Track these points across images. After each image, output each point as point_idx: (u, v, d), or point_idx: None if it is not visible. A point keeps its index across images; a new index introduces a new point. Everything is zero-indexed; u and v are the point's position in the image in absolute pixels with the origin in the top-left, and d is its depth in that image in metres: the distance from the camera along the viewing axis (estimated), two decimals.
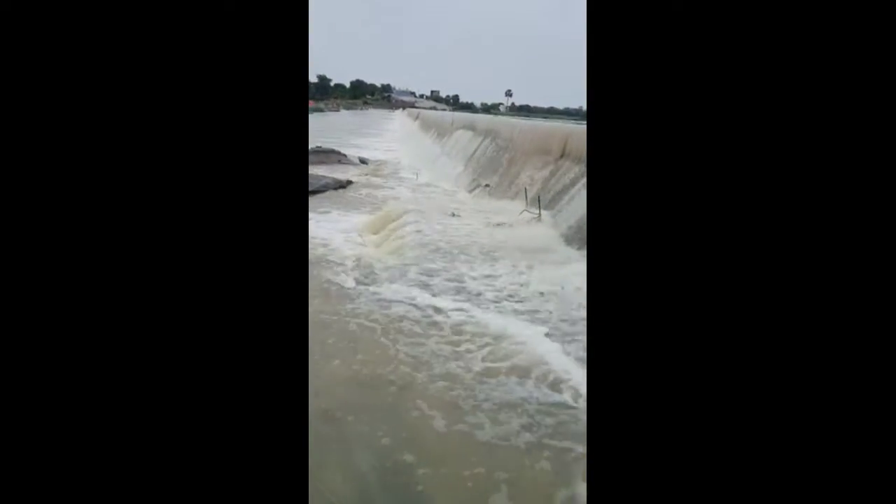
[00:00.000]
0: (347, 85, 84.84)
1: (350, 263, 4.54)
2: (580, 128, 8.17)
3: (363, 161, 16.09)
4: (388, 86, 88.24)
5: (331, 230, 6.47)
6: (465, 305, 3.51)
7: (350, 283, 3.93)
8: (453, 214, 6.45)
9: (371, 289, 3.85)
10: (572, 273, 4.26)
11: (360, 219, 7.23)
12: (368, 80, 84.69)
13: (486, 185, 9.61)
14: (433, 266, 4.46)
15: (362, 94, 75.05)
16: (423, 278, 4.15)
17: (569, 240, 5.40)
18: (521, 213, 6.45)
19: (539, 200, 6.36)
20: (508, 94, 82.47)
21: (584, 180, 6.31)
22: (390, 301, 3.57)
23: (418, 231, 5.58)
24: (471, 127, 15.07)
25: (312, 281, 4.01)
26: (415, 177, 12.32)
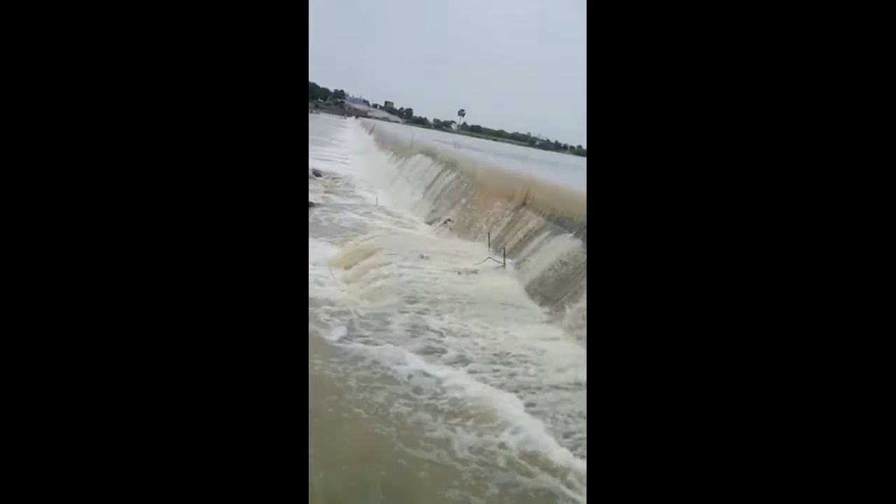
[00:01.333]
0: None
1: (328, 308, 4.66)
2: (543, 180, 8.70)
3: (317, 173, 16.03)
4: (342, 92, 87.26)
5: None
6: (451, 372, 3.75)
7: (333, 336, 4.07)
8: (422, 256, 6.70)
9: (354, 345, 4.01)
10: (539, 336, 4.65)
11: (328, 250, 7.32)
12: (321, 84, 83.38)
13: (448, 221, 9.95)
14: (411, 319, 4.69)
15: (314, 98, 73.78)
16: (404, 333, 4.36)
17: (531, 293, 5.80)
18: (485, 259, 6.80)
19: (504, 250, 6.74)
20: (461, 113, 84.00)
21: (547, 234, 6.79)
22: (377, 362, 3.73)
23: (390, 275, 5.79)
24: (430, 153, 15.41)
25: None
26: (374, 201, 12.45)
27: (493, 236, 8.03)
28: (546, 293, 5.62)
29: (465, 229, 9.20)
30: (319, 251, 7.22)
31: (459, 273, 6.27)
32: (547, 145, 78.94)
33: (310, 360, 3.58)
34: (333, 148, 27.71)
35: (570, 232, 6.33)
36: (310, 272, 6.14)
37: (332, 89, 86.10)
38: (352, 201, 12.53)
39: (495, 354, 4.14)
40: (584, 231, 6.08)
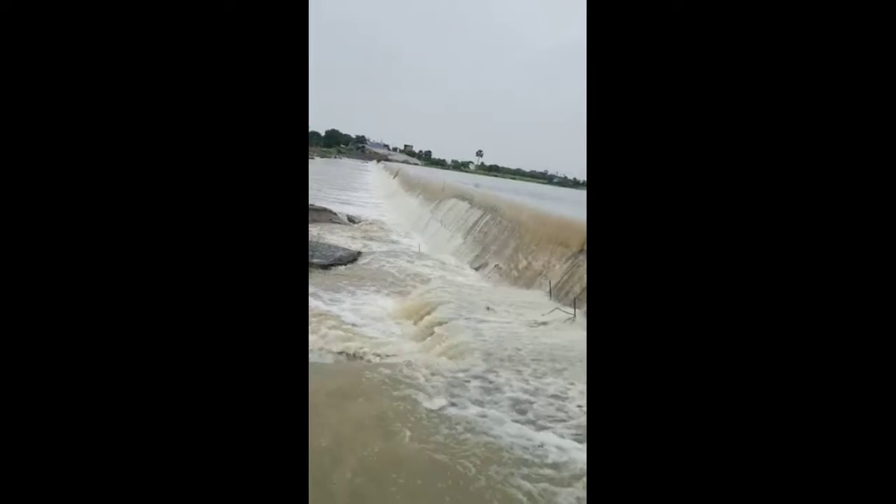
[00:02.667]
0: (322, 133, 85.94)
1: (411, 372, 4.50)
2: None
3: (352, 219, 16.26)
4: (363, 137, 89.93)
5: (364, 317, 6.43)
6: (568, 444, 3.53)
7: (435, 404, 3.89)
8: (487, 308, 6.55)
9: (463, 413, 3.81)
10: None
11: (385, 303, 7.22)
12: (343, 130, 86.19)
13: (497, 266, 9.83)
14: (502, 381, 4.49)
15: (336, 143, 75.98)
16: (501, 396, 4.17)
17: None
18: (552, 310, 6.62)
19: (575, 301, 6.56)
20: (479, 153, 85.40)
21: None
22: (500, 436, 3.50)
23: (462, 330, 5.62)
24: (465, 197, 15.48)
25: (381, 392, 3.93)
26: (417, 247, 12.44)
27: (552, 283, 7.87)
28: None
29: (516, 277, 9.05)
30: (377, 304, 7.13)
31: (531, 326, 6.07)
32: (564, 182, 79.40)
33: (428, 436, 3.40)
34: (361, 192, 28.21)
35: None
36: (380, 329, 6.03)
37: (353, 135, 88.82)
38: (392, 247, 12.53)
39: None
40: None
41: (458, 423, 3.57)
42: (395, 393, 3.98)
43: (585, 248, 7.96)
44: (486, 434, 3.47)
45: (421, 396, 3.95)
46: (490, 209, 12.81)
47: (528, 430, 3.59)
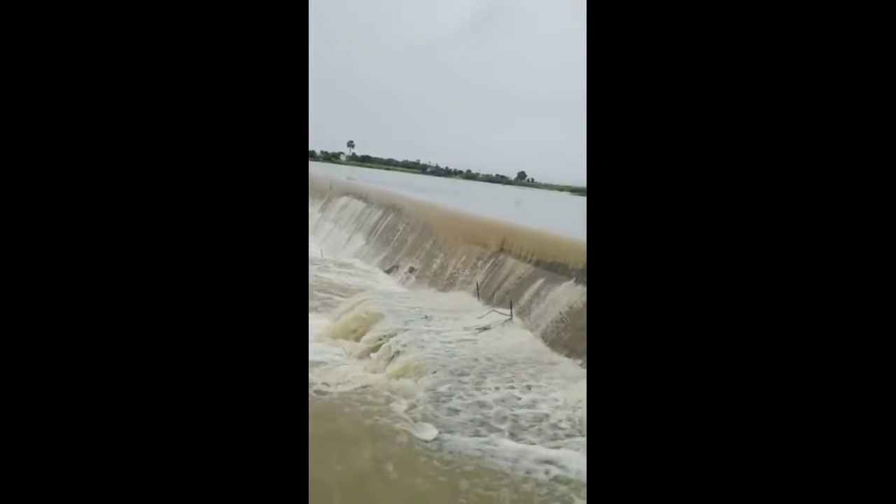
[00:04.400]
0: None
1: (378, 400, 4.30)
2: (519, 226, 8.91)
3: None
4: None
5: None
6: (556, 454, 3.63)
7: (427, 434, 3.74)
8: (426, 317, 6.49)
9: (448, 439, 3.72)
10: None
11: (318, 321, 6.77)
12: None
13: (412, 269, 9.75)
14: (466, 395, 4.49)
15: None
16: (473, 415, 4.16)
17: (553, 346, 5.88)
18: (488, 312, 6.77)
19: (511, 302, 6.77)
20: (350, 144, 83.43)
21: (542, 281, 6.95)
22: (507, 458, 3.46)
23: (408, 345, 5.51)
24: (360, 196, 15.07)
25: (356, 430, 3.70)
26: (319, 252, 11.82)
27: (471, 284, 8.03)
28: (569, 344, 5.73)
29: (434, 278, 9.08)
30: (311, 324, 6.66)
31: (475, 332, 6.15)
32: (438, 171, 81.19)
33: (427, 474, 3.26)
34: None
35: (570, 279, 6.55)
36: (321, 351, 5.64)
37: None
38: None
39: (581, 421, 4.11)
40: (584, 277, 6.33)
41: (464, 455, 3.50)
42: (377, 428, 3.76)
43: (503, 247, 8.26)
44: (503, 462, 3.44)
45: (407, 427, 3.80)
46: (391, 208, 12.62)
47: (543, 450, 3.62)
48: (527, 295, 6.97)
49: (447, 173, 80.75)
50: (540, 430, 3.94)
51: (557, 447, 3.71)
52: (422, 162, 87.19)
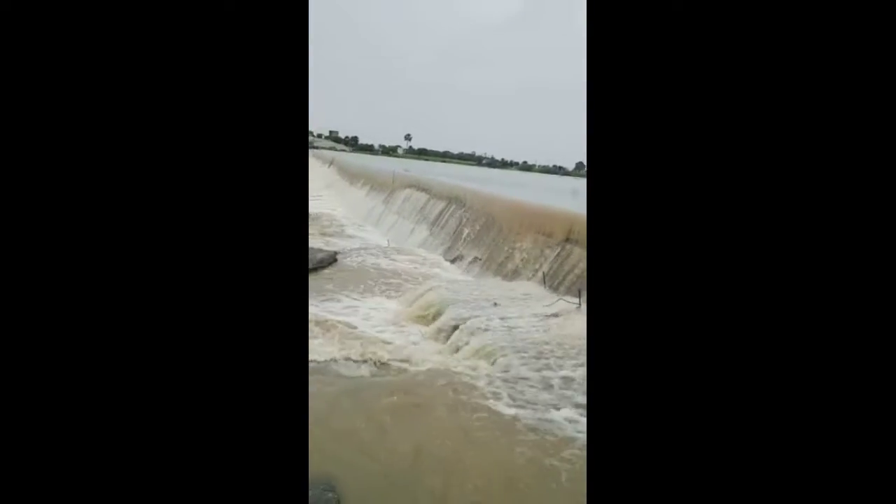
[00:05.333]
0: None
1: (459, 379, 4.54)
2: (584, 215, 8.91)
3: None
4: None
5: (372, 322, 6.35)
6: None
7: (508, 410, 3.97)
8: (494, 304, 6.69)
9: (526, 416, 3.93)
10: None
11: (389, 305, 7.15)
12: None
13: (476, 258, 9.97)
14: (540, 376, 4.66)
15: None
16: (548, 394, 4.33)
17: None
18: (556, 300, 6.88)
19: (579, 291, 6.85)
20: (408, 137, 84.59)
21: None
22: None
23: (480, 330, 5.73)
24: (422, 188, 15.42)
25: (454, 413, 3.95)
26: (386, 242, 12.28)
27: (538, 274, 8.14)
28: None
29: (500, 267, 9.25)
30: (381, 306, 7.04)
31: (543, 318, 6.29)
32: (493, 163, 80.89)
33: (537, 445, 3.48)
34: None
35: None
36: (395, 333, 5.98)
37: None
38: (356, 243, 12.31)
39: None
40: None
41: (542, 430, 3.69)
42: (460, 403, 4.02)
43: (569, 237, 8.30)
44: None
45: (488, 403, 4.03)
46: (454, 199, 12.88)
47: None
48: None
49: (503, 164, 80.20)
50: None
51: None
52: (477, 154, 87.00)
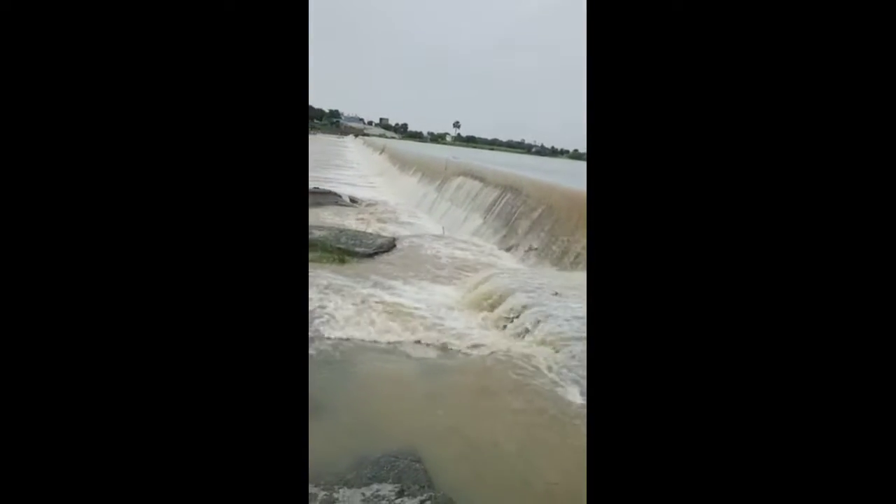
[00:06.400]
0: None
1: (529, 364, 4.62)
2: None
3: (353, 200, 16.23)
4: (336, 111, 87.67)
5: (434, 307, 6.50)
6: None
7: (575, 395, 4.04)
8: (555, 293, 6.69)
9: None
10: None
11: (447, 291, 7.29)
12: (316, 105, 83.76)
13: (532, 247, 9.96)
14: None
15: (310, 119, 74.14)
16: None
17: None
18: None
19: None
20: (456, 125, 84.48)
21: None
22: None
23: (544, 318, 5.77)
24: (476, 175, 15.45)
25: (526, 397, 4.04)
26: (441, 230, 12.44)
27: None
28: None
29: (557, 258, 9.21)
30: (440, 293, 7.19)
31: None
32: (543, 151, 79.64)
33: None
34: (347, 170, 27.71)
35: None
36: (456, 318, 6.11)
37: (326, 109, 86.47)
38: (410, 230, 12.53)
39: None
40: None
41: None
42: (530, 386, 4.10)
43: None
44: None
45: (555, 387, 4.10)
46: (510, 188, 12.85)
47: None
48: None
49: (553, 153, 78.79)
50: None
51: None
52: (527, 142, 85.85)
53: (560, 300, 6.54)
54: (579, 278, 7.97)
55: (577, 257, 8.83)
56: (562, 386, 4.16)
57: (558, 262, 9.08)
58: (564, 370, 4.47)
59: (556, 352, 5.00)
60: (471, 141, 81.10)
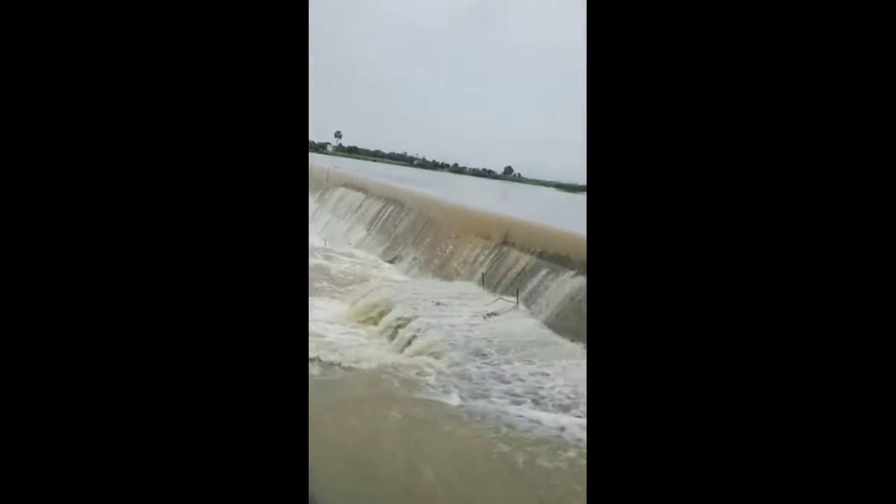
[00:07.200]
0: None
1: (409, 374, 4.74)
2: (519, 218, 9.38)
3: None
4: None
5: (318, 325, 6.36)
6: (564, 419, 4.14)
7: (453, 401, 4.22)
8: (437, 304, 6.93)
9: (470, 405, 4.20)
10: None
11: (329, 305, 7.17)
12: None
13: (415, 259, 10.17)
14: (483, 370, 4.97)
15: None
16: (491, 386, 4.64)
17: (557, 331, 6.37)
18: (495, 300, 7.24)
19: (517, 291, 7.25)
20: (338, 135, 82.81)
21: (545, 272, 7.44)
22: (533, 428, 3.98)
23: (425, 328, 5.96)
24: (359, 187, 15.37)
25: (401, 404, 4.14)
26: (323, 242, 12.14)
27: (476, 274, 8.49)
28: (572, 329, 6.23)
29: (438, 269, 9.51)
30: (318, 306, 7.05)
31: (486, 317, 6.62)
32: (425, 164, 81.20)
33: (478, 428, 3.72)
34: None
35: (571, 270, 7.05)
36: (341, 333, 6.06)
37: None
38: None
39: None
40: (585, 269, 6.84)
41: (486, 418, 3.98)
42: (409, 396, 4.21)
43: (506, 239, 8.72)
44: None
45: (435, 395, 4.26)
46: (392, 201, 12.98)
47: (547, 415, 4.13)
48: (531, 285, 7.45)
49: (434, 166, 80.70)
50: (549, 399, 4.45)
51: (565, 413, 4.22)
52: (409, 154, 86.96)
53: (442, 309, 6.78)
54: (460, 288, 8.32)
55: (456, 267, 9.21)
56: (442, 394, 4.34)
57: (440, 272, 9.38)
58: (444, 378, 4.66)
59: (438, 359, 5.19)
60: (353, 151, 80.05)
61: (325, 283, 8.29)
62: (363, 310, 6.77)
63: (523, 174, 79.25)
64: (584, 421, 4.05)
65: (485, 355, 5.35)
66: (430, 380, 4.57)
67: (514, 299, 7.09)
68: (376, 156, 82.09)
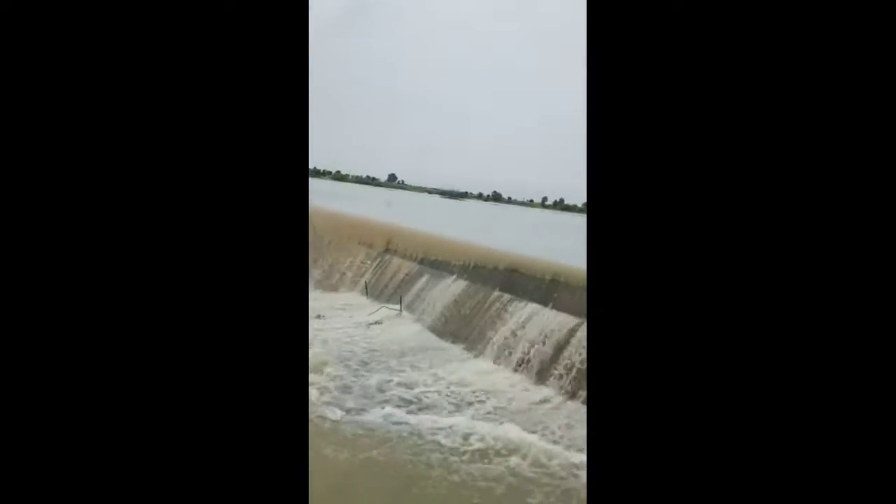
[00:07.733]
0: None
1: None
2: (401, 226, 9.39)
3: None
4: None
5: None
6: (458, 420, 4.24)
7: (336, 415, 4.09)
8: (318, 316, 6.72)
9: (358, 419, 4.12)
10: (475, 371, 5.44)
11: None
12: None
13: None
14: (367, 380, 4.92)
15: None
16: (375, 395, 4.61)
17: (440, 335, 6.50)
18: (378, 309, 7.19)
19: (401, 298, 7.25)
20: None
21: (426, 278, 7.56)
22: (419, 433, 3.98)
23: (311, 339, 5.75)
24: None
25: None
26: None
27: (362, 285, 8.37)
28: (454, 332, 6.40)
29: (321, 280, 9.21)
30: None
31: (367, 327, 6.54)
32: (316, 173, 78.47)
33: (337, 444, 3.63)
34: None
35: (451, 275, 7.25)
36: None
37: None
38: None
39: (472, 394, 4.80)
40: (466, 272, 7.08)
41: (369, 428, 3.93)
42: None
43: (388, 247, 8.71)
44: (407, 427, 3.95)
45: (319, 410, 4.11)
46: None
47: (434, 417, 4.18)
48: (413, 291, 7.53)
49: (316, 174, 78.35)
50: (434, 403, 4.53)
51: (451, 415, 4.33)
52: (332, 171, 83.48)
53: (323, 322, 6.58)
54: (343, 298, 8.15)
55: (339, 277, 9.00)
56: (323, 407, 4.21)
57: (322, 283, 9.09)
58: (324, 391, 4.53)
59: (319, 375, 5.02)
60: None
61: None
62: None
63: (407, 181, 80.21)
64: (474, 423, 4.18)
65: (368, 365, 5.28)
66: (312, 397, 4.40)
67: (397, 307, 7.11)
68: None
